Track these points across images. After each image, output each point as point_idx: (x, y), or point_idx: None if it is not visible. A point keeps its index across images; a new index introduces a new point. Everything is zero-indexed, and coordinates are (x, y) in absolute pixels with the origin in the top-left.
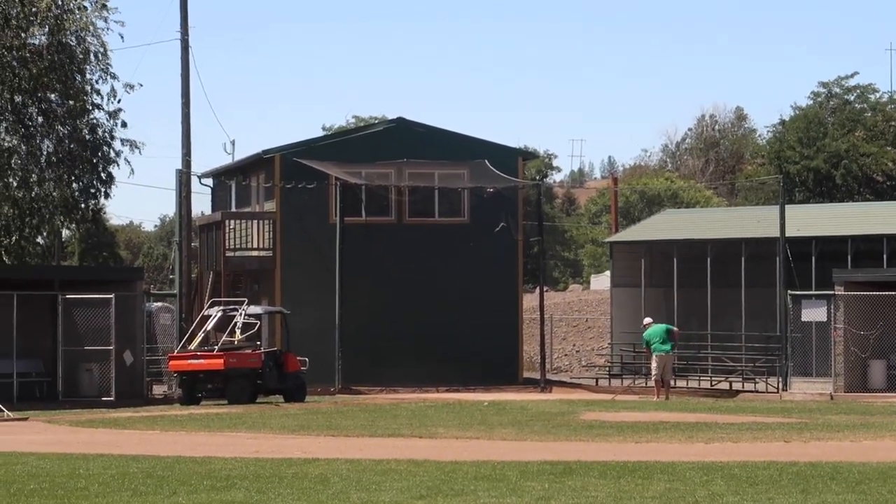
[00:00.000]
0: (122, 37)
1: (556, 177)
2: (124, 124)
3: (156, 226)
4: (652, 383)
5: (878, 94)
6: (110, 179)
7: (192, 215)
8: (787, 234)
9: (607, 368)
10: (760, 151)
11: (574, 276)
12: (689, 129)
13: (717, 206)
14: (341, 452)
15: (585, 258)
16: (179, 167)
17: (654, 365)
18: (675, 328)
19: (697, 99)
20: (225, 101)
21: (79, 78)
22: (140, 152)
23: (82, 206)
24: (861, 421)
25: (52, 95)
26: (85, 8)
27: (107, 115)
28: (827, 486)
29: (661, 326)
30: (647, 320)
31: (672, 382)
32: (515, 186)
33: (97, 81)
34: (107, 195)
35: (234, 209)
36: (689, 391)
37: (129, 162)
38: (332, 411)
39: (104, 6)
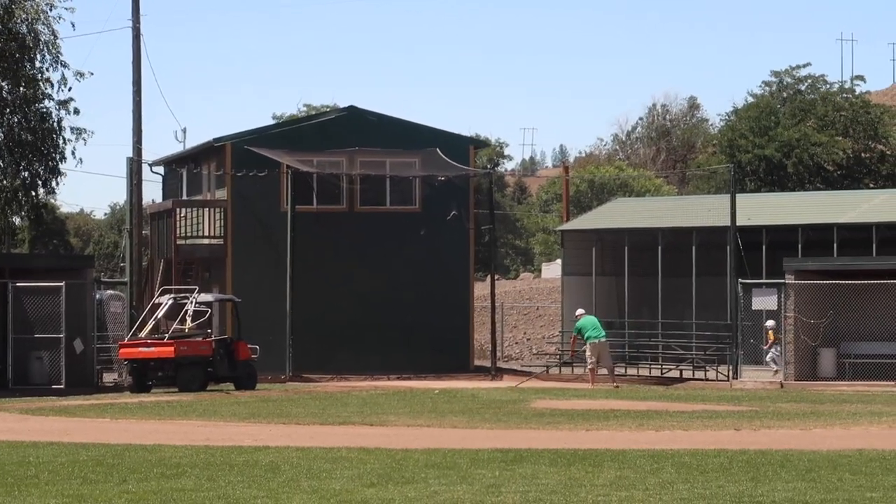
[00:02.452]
0: (73, 25)
1: (508, 165)
2: (76, 111)
3: (106, 214)
4: (587, 372)
5: (828, 85)
6: (58, 170)
7: (143, 203)
8: (738, 223)
9: (558, 357)
10: (712, 140)
11: (525, 264)
12: (641, 119)
13: (667, 195)
14: (292, 440)
15: (537, 246)
16: (130, 155)
17: (588, 353)
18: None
19: (650, 88)
20: (176, 89)
21: (29, 66)
22: (85, 143)
23: (32, 194)
24: (811, 409)
25: (3, 83)
26: None
27: (57, 105)
28: (777, 474)
29: (593, 317)
30: (580, 311)
31: (616, 370)
32: (467, 175)
33: (48, 69)
34: (53, 190)
35: (185, 197)
36: (639, 379)
37: (74, 154)
38: (283, 399)
39: None
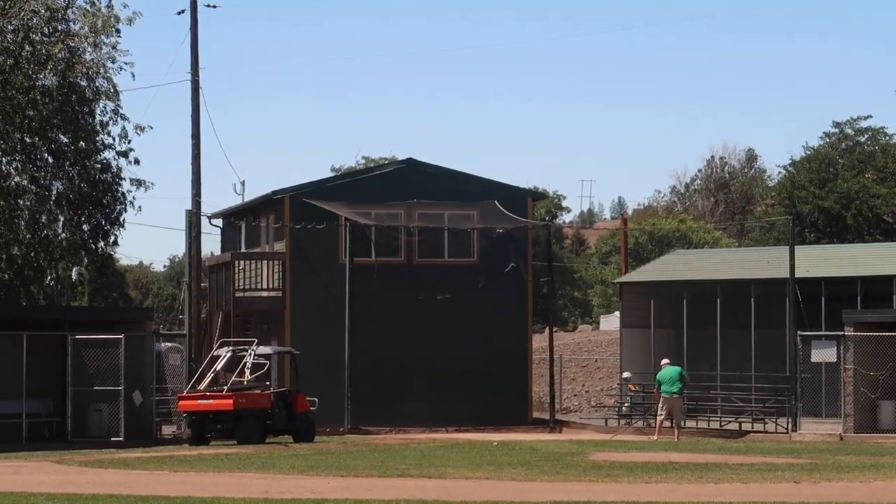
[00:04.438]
0: (133, 75)
1: (566, 217)
2: (137, 161)
3: (165, 266)
4: (658, 422)
5: (888, 137)
6: (119, 221)
7: (202, 255)
8: (797, 275)
9: (616, 409)
10: (770, 192)
11: (584, 316)
12: (699, 171)
13: (726, 247)
14: (351, 493)
15: (595, 298)
16: (189, 208)
17: (660, 405)
18: (686, 375)
19: (707, 139)
20: (235, 142)
21: (89, 119)
22: (147, 190)
23: (91, 247)
24: (871, 462)
25: (63, 136)
26: (99, 47)
27: (116, 155)
28: None
29: (675, 369)
30: (664, 361)
31: (682, 423)
32: (525, 227)
33: (108, 123)
34: (115, 242)
35: (243, 249)
36: (698, 432)
37: (132, 204)
38: (342, 451)
39: (114, 46)
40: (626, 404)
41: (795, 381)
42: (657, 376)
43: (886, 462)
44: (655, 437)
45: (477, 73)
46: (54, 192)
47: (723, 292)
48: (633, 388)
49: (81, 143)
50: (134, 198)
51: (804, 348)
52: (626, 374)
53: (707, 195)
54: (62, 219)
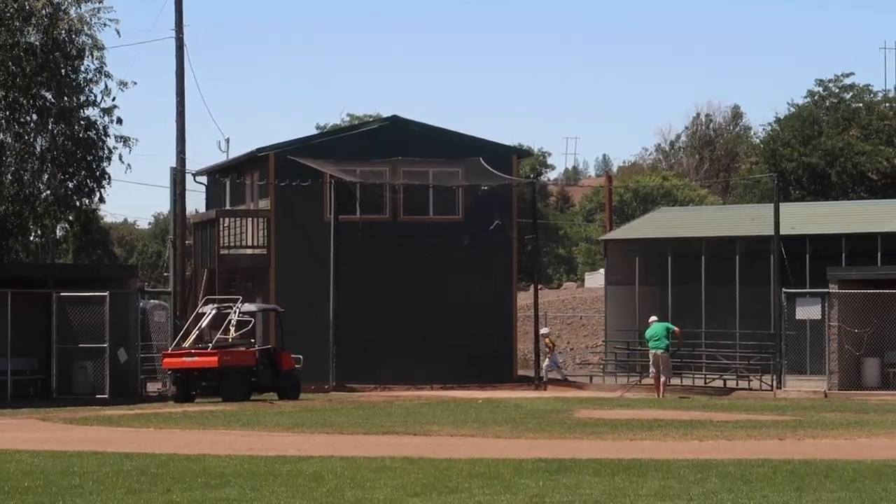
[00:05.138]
0: (118, 32)
1: (551, 175)
2: (119, 121)
3: (150, 223)
4: (651, 380)
5: (872, 94)
6: (104, 177)
7: (187, 213)
8: (782, 233)
9: (601, 366)
10: (755, 150)
11: (568, 273)
12: (686, 128)
13: (711, 205)
14: (336, 450)
15: (580, 256)
16: (174, 165)
17: (651, 363)
18: (676, 328)
19: (693, 97)
20: (219, 99)
21: (73, 76)
22: (130, 150)
23: (76, 204)
24: (855, 419)
25: (47, 93)
26: (83, 1)
27: (101, 112)
28: (821, 484)
29: (661, 325)
30: (652, 318)
31: (668, 380)
32: (510, 184)
33: (91, 80)
34: (101, 199)
35: (228, 207)
36: (683, 389)
37: (121, 159)
38: (327, 409)
39: (100, 0)
40: (545, 362)
41: (780, 338)
42: (645, 333)
43: (870, 419)
44: (658, 395)
45: (462, 30)
46: (38, 148)
47: (708, 250)
48: (549, 344)
49: (65, 99)
50: (121, 155)
51: (789, 305)
52: (543, 330)
53: (692, 153)
54: (46, 175)
